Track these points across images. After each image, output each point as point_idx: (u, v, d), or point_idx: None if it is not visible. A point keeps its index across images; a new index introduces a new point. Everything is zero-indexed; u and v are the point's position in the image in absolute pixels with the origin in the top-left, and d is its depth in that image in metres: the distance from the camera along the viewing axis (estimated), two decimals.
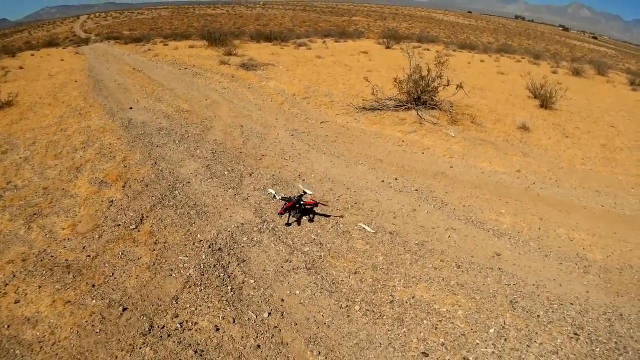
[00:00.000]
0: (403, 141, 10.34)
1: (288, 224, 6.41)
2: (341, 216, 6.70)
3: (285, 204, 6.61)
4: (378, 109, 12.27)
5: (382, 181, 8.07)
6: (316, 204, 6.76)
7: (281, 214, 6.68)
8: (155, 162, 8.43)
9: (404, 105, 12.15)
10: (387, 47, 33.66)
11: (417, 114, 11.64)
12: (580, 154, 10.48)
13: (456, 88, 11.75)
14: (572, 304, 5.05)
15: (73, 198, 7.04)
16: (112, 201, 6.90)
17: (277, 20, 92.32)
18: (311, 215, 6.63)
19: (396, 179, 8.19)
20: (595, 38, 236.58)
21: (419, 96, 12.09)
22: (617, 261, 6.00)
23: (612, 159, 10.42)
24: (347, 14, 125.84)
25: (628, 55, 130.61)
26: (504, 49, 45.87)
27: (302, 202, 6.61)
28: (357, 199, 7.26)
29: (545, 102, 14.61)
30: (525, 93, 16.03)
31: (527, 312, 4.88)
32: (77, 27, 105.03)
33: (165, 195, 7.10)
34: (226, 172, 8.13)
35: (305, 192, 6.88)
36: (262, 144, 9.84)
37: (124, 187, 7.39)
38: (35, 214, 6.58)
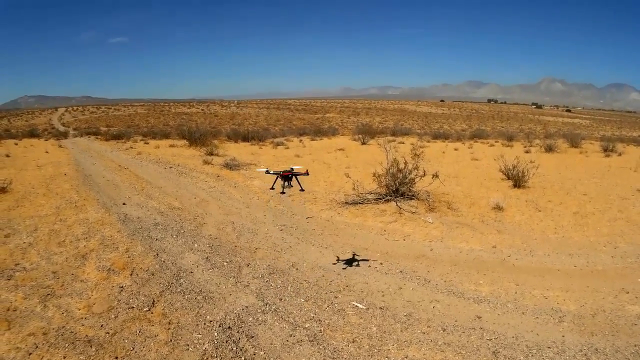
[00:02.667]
0: (385, 230, 11.09)
1: (283, 192, 7.29)
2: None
3: (277, 177, 7.47)
4: (359, 203, 13.01)
5: (369, 266, 8.75)
6: (307, 173, 7.67)
7: (272, 188, 7.56)
8: (157, 254, 8.95)
9: (383, 198, 12.92)
10: (363, 143, 34.97)
11: (397, 205, 12.41)
12: (552, 224, 11.33)
13: (432, 178, 12.62)
14: (549, 347, 5.73)
15: (84, 282, 7.48)
16: (122, 287, 7.36)
17: (252, 119, 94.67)
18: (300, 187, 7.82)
19: (381, 263, 8.87)
20: (569, 111, 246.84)
21: (398, 188, 12.88)
22: (590, 308, 6.77)
23: (584, 224, 11.32)
24: (320, 111, 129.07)
25: (602, 122, 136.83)
26: (478, 134, 47.70)
27: (293, 172, 7.51)
28: (348, 283, 7.89)
29: (518, 181, 15.42)
30: (499, 175, 16.88)
31: (508, 358, 5.53)
32: (56, 119, 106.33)
33: (172, 283, 7.60)
34: (225, 264, 8.70)
35: (292, 168, 7.71)
36: (254, 238, 10.44)
37: (131, 274, 7.88)
38: (48, 294, 6.97)
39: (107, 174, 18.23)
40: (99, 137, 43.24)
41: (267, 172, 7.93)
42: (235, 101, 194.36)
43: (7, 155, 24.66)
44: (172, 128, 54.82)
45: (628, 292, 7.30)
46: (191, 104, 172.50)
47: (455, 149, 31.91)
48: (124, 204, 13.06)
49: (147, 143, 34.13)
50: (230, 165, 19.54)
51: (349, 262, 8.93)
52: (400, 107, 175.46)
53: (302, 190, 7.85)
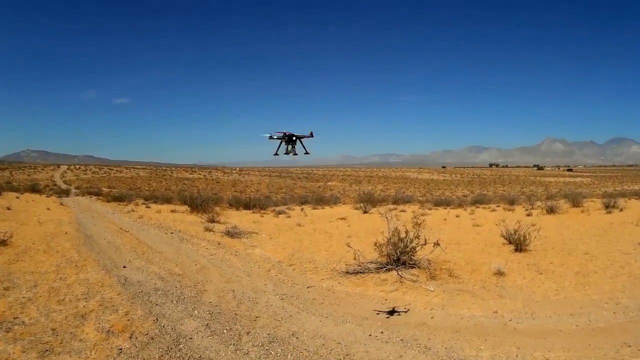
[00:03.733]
0: (386, 299, 11.03)
1: (286, 153, 7.21)
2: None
3: (280, 142, 7.37)
4: (361, 272, 12.98)
5: (370, 335, 8.66)
6: (312, 135, 7.56)
7: (276, 154, 7.46)
8: (157, 319, 8.90)
9: (385, 267, 12.90)
10: (365, 212, 35.11)
11: (398, 274, 12.41)
12: (554, 286, 11.38)
13: (433, 246, 12.72)
14: None
15: (83, 342, 7.42)
16: (121, 349, 7.31)
17: (254, 186, 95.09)
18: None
19: (382, 332, 8.80)
20: (570, 170, 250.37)
21: (399, 257, 12.91)
22: None
23: (586, 283, 11.41)
24: (322, 179, 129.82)
25: (604, 178, 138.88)
26: (479, 200, 47.99)
27: (297, 135, 7.41)
28: (348, 352, 7.82)
29: (519, 245, 15.46)
30: (501, 240, 16.85)
31: None
32: (58, 176, 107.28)
33: (171, 348, 7.54)
34: (225, 331, 8.63)
35: (294, 134, 7.62)
36: (254, 307, 10.37)
37: (130, 337, 7.83)
38: (47, 350, 6.93)
39: (108, 236, 18.30)
40: (100, 197, 43.66)
41: (271, 137, 7.93)
42: (238, 168, 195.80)
43: (8, 208, 24.85)
44: (174, 193, 55.25)
45: (630, 346, 7.37)
46: (193, 169, 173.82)
47: (457, 216, 32.20)
48: (124, 267, 13.07)
49: (149, 207, 34.39)
50: (232, 233, 19.60)
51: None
52: (402, 174, 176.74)
53: (307, 153, 7.83)
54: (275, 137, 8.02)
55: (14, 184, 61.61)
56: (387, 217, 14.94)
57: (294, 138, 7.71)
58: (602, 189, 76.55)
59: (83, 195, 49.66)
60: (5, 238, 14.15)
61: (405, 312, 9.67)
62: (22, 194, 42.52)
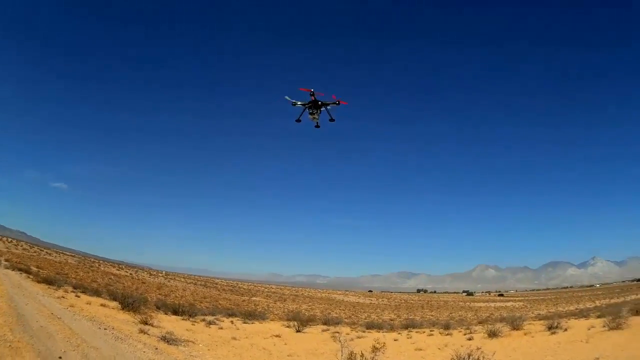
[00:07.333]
0: None
1: (311, 114, 6.90)
2: None
3: (303, 109, 7.07)
4: None
5: None
6: (338, 103, 7.16)
7: (299, 121, 7.19)
8: None
9: None
10: (298, 330, 34.36)
11: None
12: None
13: None
14: None
15: None
16: None
17: (179, 292, 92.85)
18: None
19: None
20: (501, 295, 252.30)
21: None
22: None
23: None
24: (247, 293, 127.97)
25: (537, 301, 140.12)
26: (409, 324, 47.39)
27: (321, 101, 7.09)
28: None
29: None
30: None
31: None
32: None
33: None
34: None
35: (319, 100, 7.12)
36: None
37: None
38: None
39: (41, 320, 17.72)
40: (30, 275, 42.18)
41: (295, 103, 7.70)
42: (164, 272, 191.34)
43: None
44: (101, 286, 53.59)
45: None
46: (120, 266, 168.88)
47: (395, 340, 31.74)
48: (59, 357, 12.66)
49: (78, 296, 33.30)
50: (168, 340, 19.19)
51: None
52: (327, 295, 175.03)
53: (331, 120, 7.48)
54: (299, 103, 7.75)
55: None
56: (340, 340, 15.08)
57: (320, 104, 7.40)
58: (535, 311, 78.31)
59: (13, 270, 48.06)
60: None
61: None
62: None
